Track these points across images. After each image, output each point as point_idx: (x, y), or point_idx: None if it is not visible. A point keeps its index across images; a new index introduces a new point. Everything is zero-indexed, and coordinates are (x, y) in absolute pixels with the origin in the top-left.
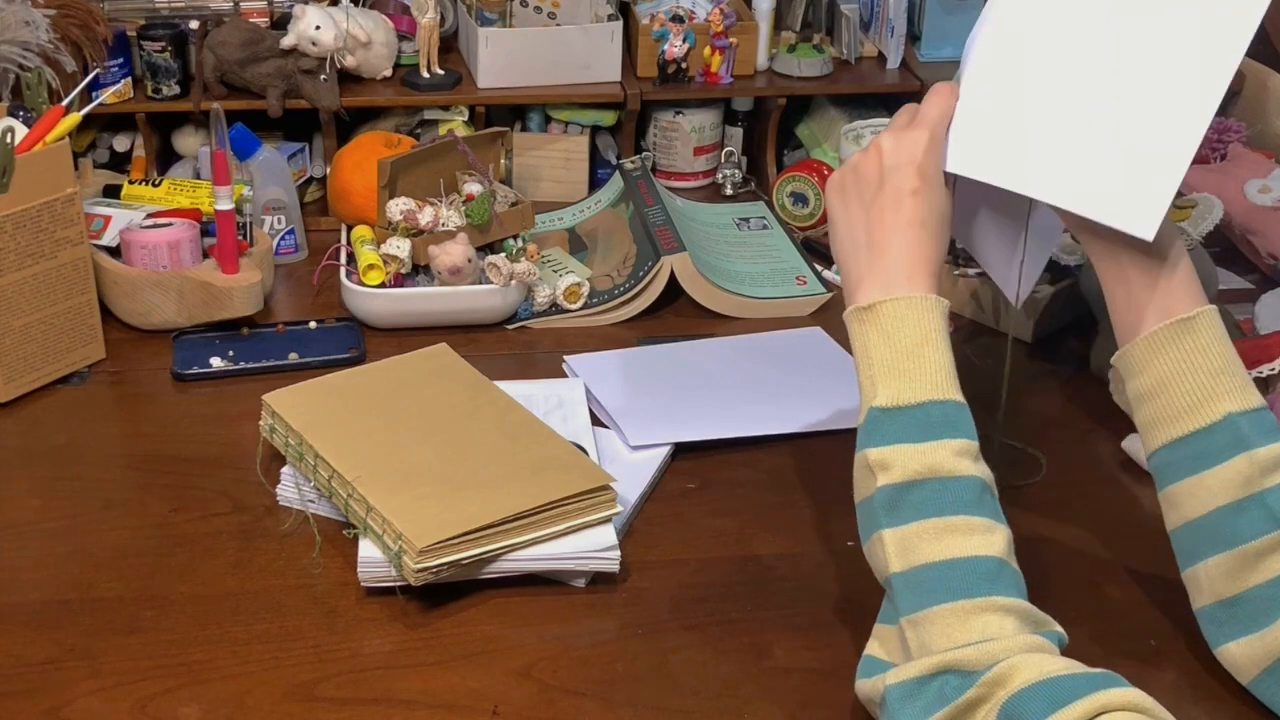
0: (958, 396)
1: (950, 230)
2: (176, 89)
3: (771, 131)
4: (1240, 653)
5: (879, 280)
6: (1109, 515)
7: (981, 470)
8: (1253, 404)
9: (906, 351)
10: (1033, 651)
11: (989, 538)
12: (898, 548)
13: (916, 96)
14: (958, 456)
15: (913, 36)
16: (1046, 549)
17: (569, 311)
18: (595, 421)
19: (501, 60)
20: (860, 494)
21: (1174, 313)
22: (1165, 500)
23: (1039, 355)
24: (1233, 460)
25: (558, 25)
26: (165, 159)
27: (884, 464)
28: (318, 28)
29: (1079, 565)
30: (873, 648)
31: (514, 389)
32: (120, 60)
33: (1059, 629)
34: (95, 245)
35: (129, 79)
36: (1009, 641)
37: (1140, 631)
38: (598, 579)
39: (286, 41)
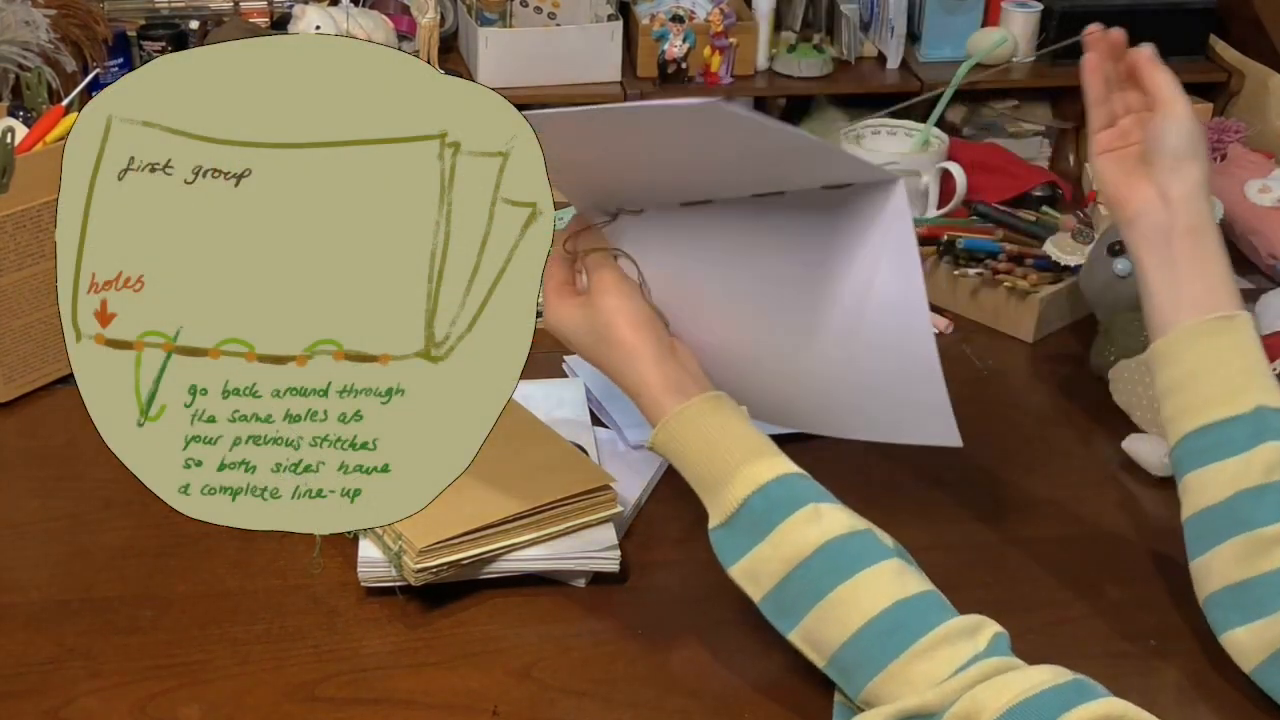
0: (768, 473)
1: (628, 317)
2: None
3: None
4: (1247, 638)
5: (646, 412)
6: (1109, 515)
7: (828, 526)
8: None
9: (703, 465)
10: (992, 676)
11: (874, 588)
12: (809, 645)
13: (916, 96)
14: (802, 530)
15: (912, 36)
16: (1046, 549)
17: None
18: (595, 421)
19: (501, 60)
20: (753, 601)
21: (1216, 309)
22: (1184, 488)
23: (1039, 355)
24: (1258, 448)
25: (558, 25)
26: None
27: (749, 577)
28: (318, 28)
29: (1079, 565)
30: (840, 696)
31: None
32: (120, 60)
33: (995, 628)
34: None
35: None
36: (963, 676)
37: (1140, 631)
38: (598, 579)
39: None
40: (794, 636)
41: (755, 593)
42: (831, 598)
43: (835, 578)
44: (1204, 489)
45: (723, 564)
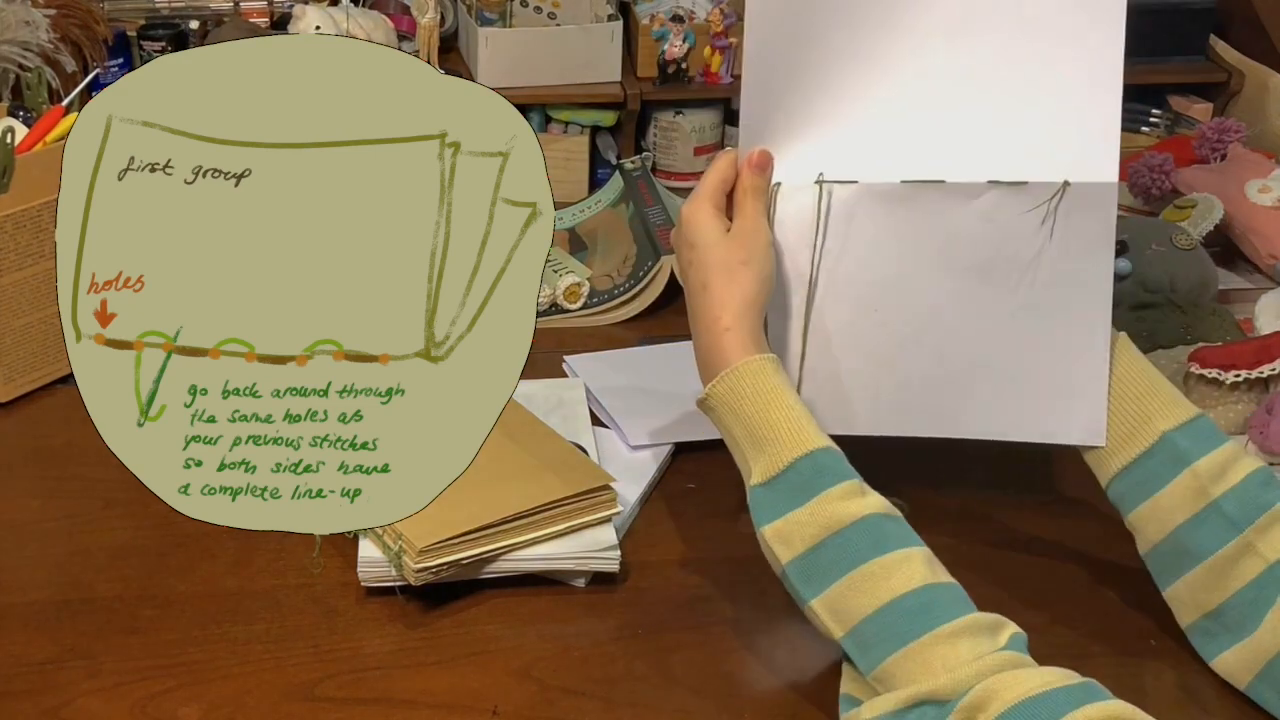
0: (818, 441)
1: (757, 266)
2: None
3: None
4: (1233, 661)
5: (707, 359)
6: (1109, 515)
7: (870, 503)
8: (1184, 417)
9: (757, 421)
10: (1005, 669)
11: (906, 568)
12: (831, 614)
13: None
14: (844, 501)
15: None
16: (1047, 549)
17: (569, 311)
18: (595, 421)
19: (501, 60)
20: (775, 568)
21: None
22: (1131, 528)
23: None
24: (1178, 478)
25: (558, 25)
26: None
27: (782, 538)
28: (318, 28)
29: (1079, 565)
30: (846, 685)
31: None
32: (120, 60)
33: (1014, 628)
34: None
35: None
36: (977, 664)
37: (1140, 631)
38: (598, 579)
39: None
40: (816, 603)
41: (785, 554)
42: (864, 569)
43: (871, 551)
44: (1146, 528)
45: (756, 523)
